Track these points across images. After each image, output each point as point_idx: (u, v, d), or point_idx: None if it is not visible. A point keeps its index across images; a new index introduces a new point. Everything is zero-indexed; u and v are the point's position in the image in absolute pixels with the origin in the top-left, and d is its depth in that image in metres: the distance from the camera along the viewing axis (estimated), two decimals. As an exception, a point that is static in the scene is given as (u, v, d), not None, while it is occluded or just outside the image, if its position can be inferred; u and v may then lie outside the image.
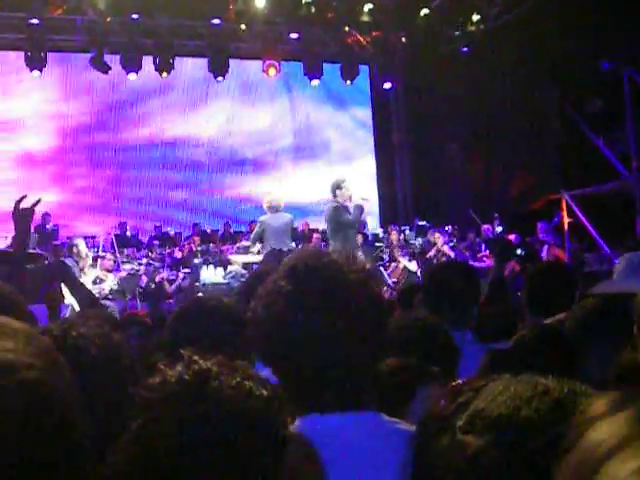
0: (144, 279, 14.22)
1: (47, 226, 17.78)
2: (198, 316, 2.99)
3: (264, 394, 1.58)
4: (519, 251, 14.72)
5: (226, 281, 14.04)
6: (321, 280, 2.01)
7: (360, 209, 11.69)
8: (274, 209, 12.74)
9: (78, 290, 4.97)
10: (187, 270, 15.58)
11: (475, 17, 18.68)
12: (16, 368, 1.17)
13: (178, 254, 16.56)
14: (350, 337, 1.99)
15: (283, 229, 12.59)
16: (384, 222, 21.33)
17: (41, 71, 18.78)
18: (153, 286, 14.38)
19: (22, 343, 1.23)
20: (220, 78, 19.85)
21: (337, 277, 2.02)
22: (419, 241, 18.08)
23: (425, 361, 2.98)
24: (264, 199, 13.13)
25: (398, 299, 5.83)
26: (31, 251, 12.97)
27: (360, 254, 12.13)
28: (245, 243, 15.81)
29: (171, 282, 15.25)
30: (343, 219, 11.57)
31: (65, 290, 11.44)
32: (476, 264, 16.50)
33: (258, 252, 13.71)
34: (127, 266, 14.47)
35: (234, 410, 1.53)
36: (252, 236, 13.53)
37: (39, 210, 13.96)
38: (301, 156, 22.44)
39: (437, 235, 16.44)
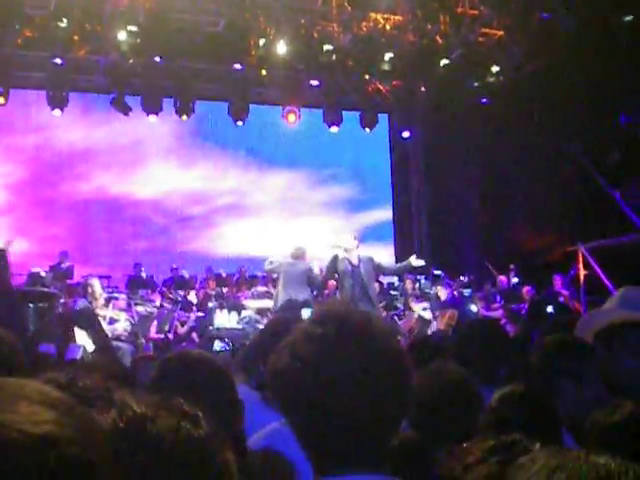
0: (157, 323, 14.18)
1: (62, 265, 17.80)
2: (181, 368, 2.93)
3: (201, 434, 1.53)
4: (550, 309, 14.58)
5: (240, 326, 13.95)
6: (353, 325, 1.94)
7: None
8: (295, 256, 12.88)
9: (99, 336, 5.00)
10: (201, 313, 15.54)
11: (494, 68, 18.74)
12: (56, 442, 1.08)
13: (193, 298, 16.53)
14: (381, 387, 1.90)
15: (298, 277, 12.64)
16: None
17: (62, 110, 18.96)
18: (166, 329, 14.33)
19: (63, 414, 1.14)
20: (240, 122, 20.02)
21: (367, 325, 1.96)
22: (434, 290, 18.03)
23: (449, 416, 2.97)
24: (292, 249, 13.24)
25: (410, 351, 5.77)
26: (45, 290, 13.05)
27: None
28: (260, 288, 15.80)
29: (183, 324, 15.23)
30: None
31: (78, 331, 11.45)
32: (489, 314, 16.48)
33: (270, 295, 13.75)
34: (140, 308, 14.43)
35: (174, 455, 1.48)
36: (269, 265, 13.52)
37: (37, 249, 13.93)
38: (315, 205, 22.64)
39: (439, 288, 16.53)
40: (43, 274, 15.60)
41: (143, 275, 18.42)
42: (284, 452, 2.72)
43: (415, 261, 12.28)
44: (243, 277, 19.01)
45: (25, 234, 18.88)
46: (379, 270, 12.61)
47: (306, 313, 9.27)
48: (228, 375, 2.90)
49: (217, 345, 8.90)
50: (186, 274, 18.95)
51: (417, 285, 18.21)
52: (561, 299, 16.43)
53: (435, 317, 15.39)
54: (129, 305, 13.82)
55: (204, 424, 1.54)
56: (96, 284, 12.48)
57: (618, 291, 4.13)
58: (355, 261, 11.90)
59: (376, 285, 17.26)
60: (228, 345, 8.82)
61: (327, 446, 1.94)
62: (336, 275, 12.38)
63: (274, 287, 14.03)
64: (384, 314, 15.55)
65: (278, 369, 1.98)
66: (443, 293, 16.26)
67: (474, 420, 2.96)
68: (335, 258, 12.00)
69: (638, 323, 3.70)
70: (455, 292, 16.94)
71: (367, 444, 1.93)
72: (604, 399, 3.35)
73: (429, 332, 14.70)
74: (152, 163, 21.33)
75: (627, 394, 3.12)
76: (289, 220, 21.74)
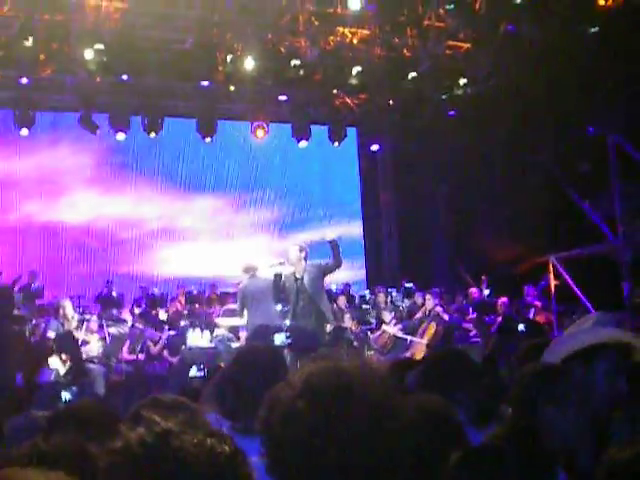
0: (128, 343, 14.07)
1: (32, 285, 17.63)
2: None
3: (226, 450, 1.58)
4: (521, 327, 14.41)
5: (213, 345, 13.89)
6: (340, 402, 1.95)
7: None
8: (251, 272, 12.52)
9: (77, 361, 4.99)
10: (172, 332, 15.41)
11: (462, 81, 18.81)
12: None
13: (163, 315, 16.38)
14: (372, 464, 1.93)
15: (263, 291, 12.13)
16: (371, 284, 21.33)
17: (30, 129, 18.80)
18: (138, 349, 14.23)
19: None
20: (208, 139, 19.92)
21: (357, 399, 1.97)
22: (406, 303, 18.04)
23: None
24: (241, 266, 13.01)
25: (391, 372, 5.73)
26: (15, 313, 12.92)
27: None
28: (232, 306, 15.70)
29: (155, 343, 15.08)
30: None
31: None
32: (466, 326, 16.45)
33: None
34: (112, 329, 14.30)
35: (196, 468, 1.52)
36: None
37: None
38: (285, 221, 22.62)
39: (428, 297, 16.24)
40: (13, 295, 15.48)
41: (114, 294, 18.28)
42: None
43: (328, 235, 11.73)
44: (214, 294, 18.82)
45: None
46: (326, 272, 11.78)
47: (279, 339, 9.16)
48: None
49: (193, 371, 8.80)
50: (156, 291, 18.84)
51: (389, 298, 18.20)
52: (532, 310, 16.49)
53: (408, 331, 15.32)
54: (101, 326, 13.70)
55: (230, 442, 1.60)
56: (68, 305, 12.37)
57: (589, 317, 4.11)
58: (299, 274, 11.44)
59: (342, 298, 17.17)
60: (203, 371, 8.71)
61: None
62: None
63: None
64: (358, 329, 15.50)
65: (267, 437, 2.00)
66: (430, 303, 15.96)
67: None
68: (279, 277, 11.62)
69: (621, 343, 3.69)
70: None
71: None
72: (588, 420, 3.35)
73: (405, 348, 14.68)
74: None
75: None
76: (256, 238, 21.66)
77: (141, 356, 14.38)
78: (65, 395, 7.21)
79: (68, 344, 11.58)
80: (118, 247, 21.14)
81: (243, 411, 3.83)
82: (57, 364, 11.58)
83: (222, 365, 7.51)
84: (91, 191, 21.01)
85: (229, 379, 4.24)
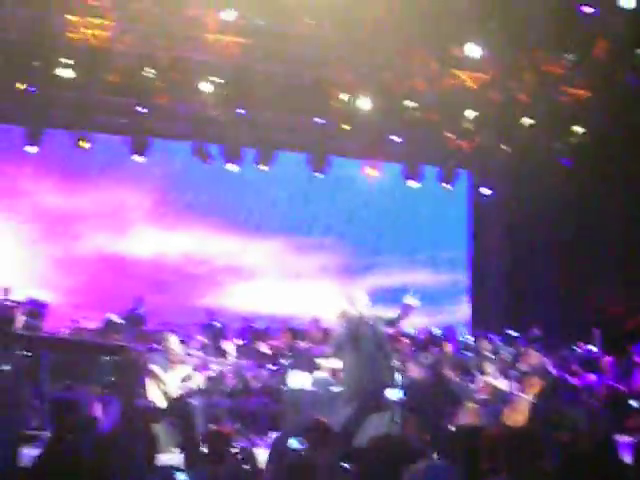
0: (230, 378, 14.06)
1: (137, 311, 17.77)
2: None
3: None
4: (634, 403, 13.79)
5: (314, 389, 13.53)
6: None
7: None
8: (345, 317, 11.81)
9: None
10: (273, 367, 15.29)
11: (578, 129, 18.53)
12: None
13: (266, 350, 16.26)
14: None
15: (360, 337, 11.27)
16: (474, 330, 20.95)
17: (145, 156, 18.95)
18: (240, 386, 14.22)
19: None
20: (319, 175, 19.95)
21: None
22: (510, 352, 17.62)
23: None
24: (336, 314, 12.59)
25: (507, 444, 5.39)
26: (116, 342, 13.01)
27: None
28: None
29: (256, 378, 15.01)
30: None
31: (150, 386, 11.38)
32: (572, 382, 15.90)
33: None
34: (214, 366, 14.25)
35: None
36: (331, 353, 12.43)
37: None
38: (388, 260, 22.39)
39: (533, 348, 15.66)
40: (118, 321, 15.75)
41: (217, 325, 18.16)
42: None
43: (409, 299, 11.11)
44: (317, 329, 18.05)
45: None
46: (389, 324, 11.47)
47: (392, 395, 8.92)
48: None
49: (295, 443, 8.42)
50: (259, 325, 18.65)
51: (492, 347, 17.74)
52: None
53: (510, 384, 14.87)
54: (204, 360, 13.70)
55: None
56: (173, 340, 12.29)
57: None
58: (371, 320, 11.12)
59: (448, 345, 16.88)
60: (304, 444, 8.35)
61: None
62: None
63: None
64: (459, 378, 15.14)
65: None
66: (536, 355, 15.35)
67: None
68: (358, 322, 11.12)
69: None
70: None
71: None
72: None
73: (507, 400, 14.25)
74: (142, 223, 20.82)
75: None
76: (356, 280, 21.40)
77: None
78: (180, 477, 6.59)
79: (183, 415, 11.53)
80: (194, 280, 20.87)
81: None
82: (155, 394, 11.60)
83: (320, 419, 7.20)
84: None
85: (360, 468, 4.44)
